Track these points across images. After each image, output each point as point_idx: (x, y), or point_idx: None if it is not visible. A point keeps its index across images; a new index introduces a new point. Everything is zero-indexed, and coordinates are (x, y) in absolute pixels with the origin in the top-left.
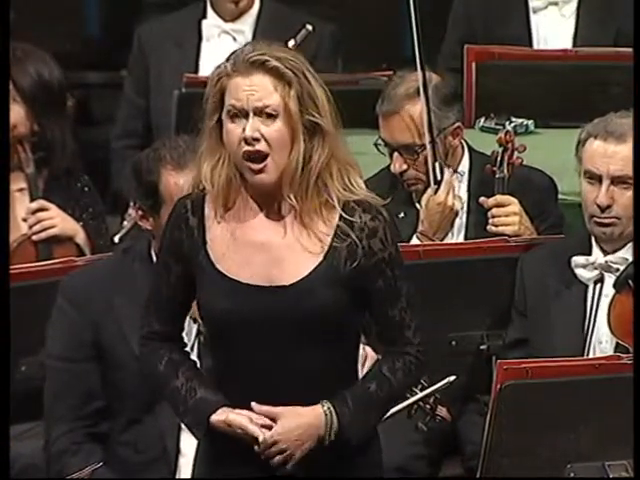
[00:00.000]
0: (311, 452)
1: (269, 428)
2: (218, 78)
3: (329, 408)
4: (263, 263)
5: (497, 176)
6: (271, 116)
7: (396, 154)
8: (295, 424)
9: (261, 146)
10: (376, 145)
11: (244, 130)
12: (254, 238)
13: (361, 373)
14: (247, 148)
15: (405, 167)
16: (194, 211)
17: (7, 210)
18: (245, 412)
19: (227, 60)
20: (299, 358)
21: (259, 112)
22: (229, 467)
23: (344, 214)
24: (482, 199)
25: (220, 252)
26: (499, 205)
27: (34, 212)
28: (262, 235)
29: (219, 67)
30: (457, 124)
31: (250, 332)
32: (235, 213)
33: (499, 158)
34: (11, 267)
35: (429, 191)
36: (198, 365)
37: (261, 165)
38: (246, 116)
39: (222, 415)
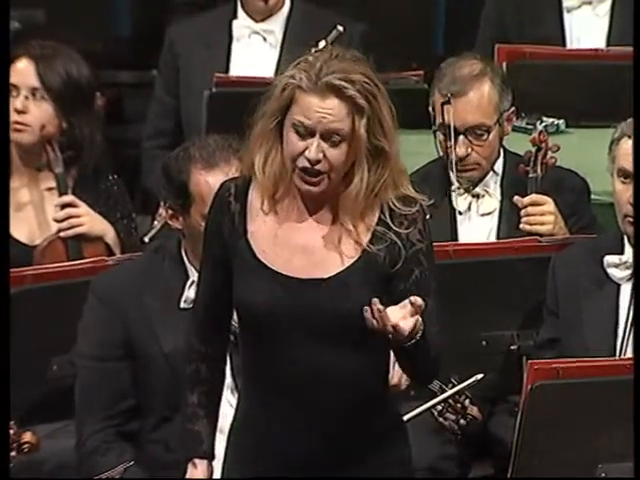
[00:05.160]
0: (338, 447)
1: None
2: (289, 87)
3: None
4: (302, 264)
5: (530, 176)
6: (337, 140)
7: (462, 137)
8: None
9: (321, 166)
10: (434, 132)
11: (307, 147)
12: (295, 239)
13: (392, 375)
14: (307, 165)
15: (470, 151)
16: (237, 196)
17: (7, 210)
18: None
19: (297, 67)
20: (332, 355)
21: (327, 135)
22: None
23: (383, 218)
24: (517, 198)
25: (261, 248)
26: (534, 204)
27: (64, 206)
28: (303, 237)
29: (291, 76)
30: (512, 109)
31: (285, 326)
32: (281, 210)
33: (533, 158)
34: (43, 267)
35: None
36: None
37: (315, 180)
38: (312, 134)
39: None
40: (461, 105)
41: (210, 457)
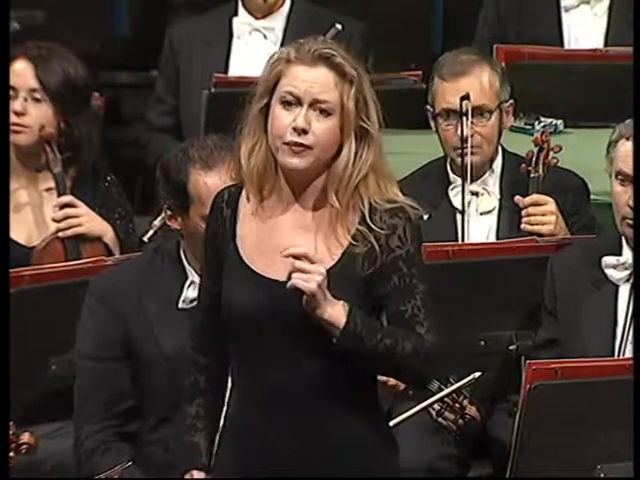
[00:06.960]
0: (323, 449)
1: None
2: (277, 63)
3: (350, 312)
4: (284, 267)
5: (532, 175)
6: (325, 112)
7: (464, 118)
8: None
9: (307, 139)
10: (435, 117)
11: (295, 119)
12: (278, 243)
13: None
14: (293, 138)
15: (472, 133)
16: (229, 202)
17: (7, 210)
18: None
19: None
20: (314, 357)
21: (315, 105)
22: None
23: (366, 218)
24: (517, 198)
25: (248, 251)
26: (536, 204)
27: (62, 206)
28: (286, 240)
29: (280, 52)
30: (511, 100)
31: (268, 328)
32: (267, 213)
33: (534, 158)
34: (41, 267)
35: None
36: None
37: (299, 149)
38: (300, 103)
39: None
40: (463, 85)
41: (208, 469)
